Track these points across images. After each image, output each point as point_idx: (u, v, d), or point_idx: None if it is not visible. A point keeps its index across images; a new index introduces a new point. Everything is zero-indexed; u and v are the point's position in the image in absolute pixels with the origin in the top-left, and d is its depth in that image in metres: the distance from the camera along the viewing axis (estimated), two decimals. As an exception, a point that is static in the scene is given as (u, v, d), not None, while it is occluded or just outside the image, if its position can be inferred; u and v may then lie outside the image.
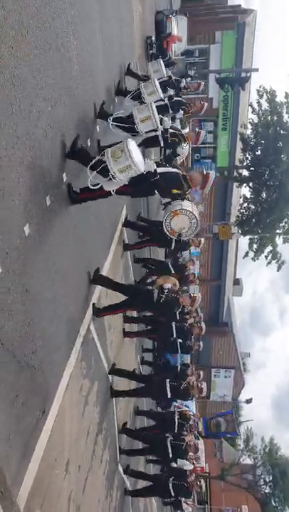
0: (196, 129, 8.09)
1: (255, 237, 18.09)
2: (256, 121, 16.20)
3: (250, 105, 16.73)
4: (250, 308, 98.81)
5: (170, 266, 8.08)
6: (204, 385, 8.50)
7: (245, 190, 18.61)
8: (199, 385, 7.79)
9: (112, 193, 4.38)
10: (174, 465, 7.69)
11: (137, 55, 9.76)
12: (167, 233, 5.90)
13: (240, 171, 18.05)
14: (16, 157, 3.12)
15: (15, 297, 3.05)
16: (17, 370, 3.10)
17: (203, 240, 8.09)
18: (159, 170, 4.87)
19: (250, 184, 17.51)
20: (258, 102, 16.13)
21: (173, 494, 7.29)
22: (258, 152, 16.65)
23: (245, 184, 17.97)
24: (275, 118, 15.74)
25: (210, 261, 24.04)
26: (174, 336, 7.65)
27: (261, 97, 16.00)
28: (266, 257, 18.37)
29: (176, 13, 15.29)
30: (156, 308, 5.98)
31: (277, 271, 18.66)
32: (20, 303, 3.14)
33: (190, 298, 6.89)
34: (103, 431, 6.04)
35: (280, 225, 17.34)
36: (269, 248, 18.13)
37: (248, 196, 18.02)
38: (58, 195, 4.07)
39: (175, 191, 5.47)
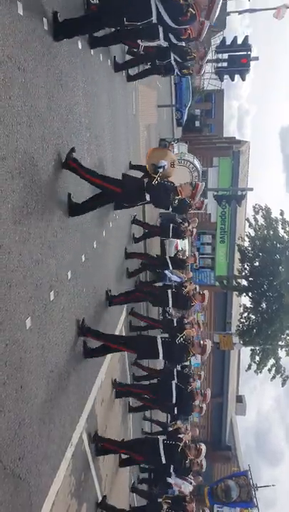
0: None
1: (257, 348, 17.64)
2: (253, 235, 17.08)
3: (247, 220, 17.81)
4: (255, 431, 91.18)
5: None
6: None
7: (245, 300, 18.76)
8: None
9: None
10: None
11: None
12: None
13: (239, 280, 18.43)
14: (25, 252, 3.24)
15: (9, 393, 2.88)
16: (0, 477, 2.78)
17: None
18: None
19: (250, 294, 17.71)
20: (255, 218, 17.21)
21: None
22: (256, 263, 17.20)
23: (244, 294, 18.18)
24: (272, 232, 16.62)
25: (211, 374, 23.04)
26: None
27: (257, 213, 17.13)
28: (269, 370, 17.67)
29: (178, 140, 17.27)
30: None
31: (282, 386, 17.76)
32: (14, 399, 2.95)
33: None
34: None
35: (282, 336, 17.05)
36: (272, 361, 17.55)
37: (248, 306, 18.08)
38: (62, 291, 4.12)
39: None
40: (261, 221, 17.07)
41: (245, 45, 19.78)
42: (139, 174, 9.07)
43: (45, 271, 3.67)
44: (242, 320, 18.01)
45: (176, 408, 6.82)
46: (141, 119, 10.38)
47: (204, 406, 7.51)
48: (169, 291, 7.59)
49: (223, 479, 17.94)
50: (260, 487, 18.51)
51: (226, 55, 20.72)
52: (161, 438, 5.84)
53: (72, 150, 4.17)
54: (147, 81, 11.22)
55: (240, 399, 26.32)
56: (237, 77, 20.81)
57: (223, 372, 23.26)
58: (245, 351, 19.29)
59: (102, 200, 4.84)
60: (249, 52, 19.64)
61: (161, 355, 5.47)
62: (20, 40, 3.10)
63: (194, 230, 8.76)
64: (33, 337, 3.39)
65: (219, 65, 21.27)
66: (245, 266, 17.54)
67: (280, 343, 17.20)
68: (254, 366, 17.70)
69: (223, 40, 20.92)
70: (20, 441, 3.07)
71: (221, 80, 22.31)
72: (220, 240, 21.14)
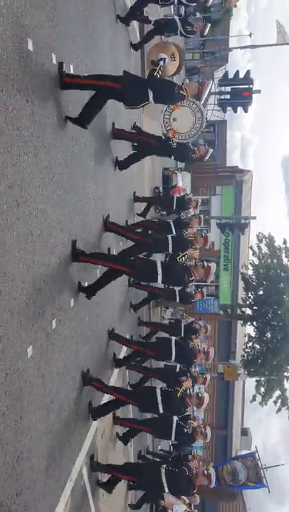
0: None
1: (262, 379, 17.25)
2: (257, 263, 17.04)
3: (251, 248, 17.83)
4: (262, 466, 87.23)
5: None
6: None
7: (250, 329, 18.50)
8: None
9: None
10: None
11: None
12: (166, 134, 5.20)
13: (244, 309, 18.24)
14: (28, 280, 3.23)
15: (8, 424, 2.80)
16: (-4, 516, 2.66)
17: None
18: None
19: (254, 323, 17.49)
20: (258, 246, 17.23)
21: None
22: (260, 292, 17.07)
23: (249, 323, 17.96)
24: (275, 261, 16.58)
25: (215, 406, 22.44)
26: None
27: (260, 241, 17.15)
28: (275, 402, 17.21)
29: (181, 169, 17.54)
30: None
31: (289, 419, 17.25)
32: (13, 431, 2.87)
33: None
34: None
35: (288, 367, 16.70)
36: (278, 392, 17.12)
37: (253, 335, 17.82)
38: (65, 319, 4.09)
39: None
40: (265, 249, 17.08)
41: (247, 79, 20.37)
42: (143, 206, 9.21)
43: (48, 298, 3.65)
44: (247, 350, 17.70)
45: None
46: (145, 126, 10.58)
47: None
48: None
49: (229, 460, 16.29)
50: (270, 467, 16.97)
51: (228, 88, 21.31)
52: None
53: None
54: (152, 113, 11.51)
55: (245, 432, 25.45)
56: (240, 109, 21.34)
57: (227, 403, 22.64)
58: (250, 382, 18.88)
59: (99, 101, 4.42)
60: (251, 86, 20.21)
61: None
62: (30, 74, 3.20)
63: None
64: (34, 366, 3.33)
65: (222, 97, 21.85)
66: (250, 295, 17.41)
67: (285, 373, 16.83)
68: (259, 398, 17.27)
69: (226, 74, 21.57)
70: (18, 476, 2.96)
71: (224, 111, 22.85)
72: (223, 267, 21.08)
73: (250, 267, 17.56)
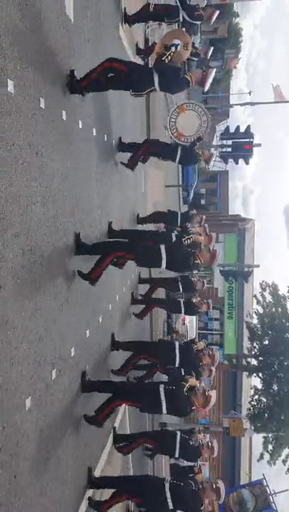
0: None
1: (270, 435, 16.44)
2: (261, 312, 16.87)
3: (255, 296, 17.75)
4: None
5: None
6: None
7: (256, 381, 17.93)
8: None
9: None
10: None
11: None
12: (172, 136, 4.95)
13: (249, 359, 17.80)
14: (30, 328, 3.19)
15: (1, 483, 2.64)
16: None
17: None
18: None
19: (260, 374, 16.97)
20: (262, 295, 17.14)
21: None
22: (266, 342, 16.74)
23: (254, 374, 17.43)
24: (280, 310, 16.43)
25: (221, 463, 21.27)
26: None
27: (264, 290, 17.10)
28: (284, 461, 16.27)
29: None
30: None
31: (299, 478, 16.22)
32: (6, 492, 2.70)
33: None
34: None
35: (296, 424, 15.97)
36: (287, 450, 16.25)
37: (259, 387, 17.22)
38: (65, 369, 3.98)
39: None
40: (269, 298, 16.97)
41: (248, 134, 21.21)
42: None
43: (49, 347, 3.58)
44: (253, 403, 17.03)
45: None
46: (149, 196, 10.85)
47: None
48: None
49: (236, 488, 15.05)
50: (279, 492, 15.71)
51: (230, 142, 22.15)
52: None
53: None
54: (156, 164, 11.90)
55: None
56: (241, 161, 22.06)
57: (233, 461, 21.48)
58: (258, 438, 17.94)
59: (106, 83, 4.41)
60: (252, 140, 21.01)
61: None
62: (40, 130, 3.36)
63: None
64: (32, 419, 3.20)
65: (224, 150, 22.68)
66: (255, 344, 17.06)
67: (294, 430, 16.07)
68: (267, 456, 16.37)
69: (227, 129, 22.52)
70: None
71: (226, 163, 23.60)
72: (228, 315, 20.85)
73: (254, 315, 17.38)
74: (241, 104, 24.72)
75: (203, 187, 37.18)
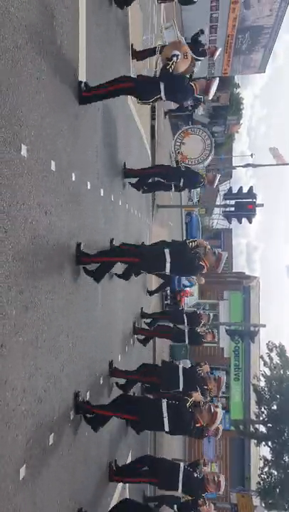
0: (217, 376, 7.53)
1: (283, 513, 15.13)
2: (269, 374, 16.28)
3: (261, 357, 17.22)
4: None
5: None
6: None
7: (265, 450, 16.84)
8: None
9: None
10: None
11: (153, 304, 10.92)
12: (178, 159, 4.72)
13: (257, 425, 16.86)
14: (29, 389, 3.08)
15: None
16: None
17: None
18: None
19: (269, 443, 15.97)
20: (269, 356, 16.65)
21: None
22: (274, 407, 15.96)
23: (263, 442, 16.40)
24: (288, 372, 15.86)
25: None
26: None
27: (271, 351, 16.64)
28: None
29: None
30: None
31: None
32: None
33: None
34: None
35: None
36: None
37: (269, 458, 16.13)
38: (63, 433, 3.78)
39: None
40: (276, 360, 16.47)
41: (251, 194, 21.81)
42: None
43: (48, 409, 3.43)
44: (262, 475, 15.87)
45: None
46: (154, 234, 10.98)
47: None
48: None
49: None
50: None
51: (233, 202, 22.76)
52: None
53: None
54: (160, 221, 12.16)
55: None
56: (244, 220, 22.51)
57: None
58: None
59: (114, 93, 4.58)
60: (254, 200, 21.58)
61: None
62: (50, 190, 3.48)
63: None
64: (26, 490, 2.98)
65: (227, 209, 23.25)
66: (263, 409, 16.26)
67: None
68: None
69: (230, 189, 23.23)
70: None
71: (229, 222, 24.05)
72: (234, 377, 20.06)
73: (261, 378, 16.76)
74: (243, 166, 25.73)
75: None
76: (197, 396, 4.85)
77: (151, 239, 10.45)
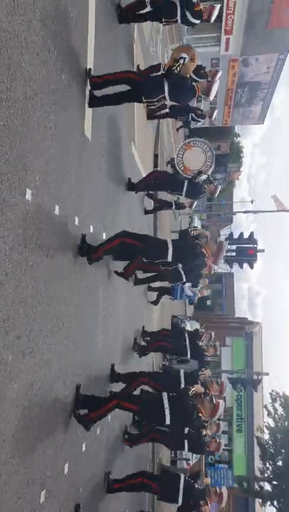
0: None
1: None
2: (273, 426, 15.59)
3: (265, 407, 16.58)
4: None
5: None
6: None
7: (271, 510, 15.76)
8: None
9: None
10: None
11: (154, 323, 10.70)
12: (180, 171, 4.66)
13: (262, 483, 15.89)
14: (22, 439, 2.92)
15: None
16: None
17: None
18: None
19: (275, 503, 14.97)
20: (273, 406, 16.04)
21: None
22: (279, 462, 15.13)
23: (268, 502, 15.38)
24: (292, 425, 15.21)
25: None
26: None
27: (275, 400, 16.06)
28: None
29: (190, 318, 17.66)
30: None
31: None
32: None
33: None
34: None
35: None
36: None
37: (275, 520, 15.05)
38: (56, 490, 3.54)
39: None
40: (280, 410, 15.86)
41: (252, 239, 22.06)
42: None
43: (40, 463, 3.23)
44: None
45: None
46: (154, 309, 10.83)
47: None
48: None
49: None
50: None
51: (234, 247, 22.94)
52: None
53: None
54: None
55: None
56: (245, 265, 22.55)
57: None
58: None
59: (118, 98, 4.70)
60: (255, 245, 21.75)
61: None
62: (52, 233, 3.50)
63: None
64: None
65: (228, 254, 23.38)
66: (267, 465, 15.42)
67: None
68: None
69: (231, 234, 23.49)
70: None
71: (231, 267, 24.12)
72: (237, 428, 19.22)
73: (265, 430, 16.04)
74: (244, 212, 26.19)
75: (208, 288, 37.53)
76: (198, 387, 4.83)
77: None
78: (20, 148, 2.86)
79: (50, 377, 3.45)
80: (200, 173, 6.54)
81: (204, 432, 5.42)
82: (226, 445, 19.79)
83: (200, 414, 4.54)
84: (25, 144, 2.93)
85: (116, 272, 5.76)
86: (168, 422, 4.42)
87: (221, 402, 4.73)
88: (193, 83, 5.35)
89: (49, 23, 3.35)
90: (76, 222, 4.14)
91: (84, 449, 4.39)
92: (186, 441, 5.32)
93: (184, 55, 4.96)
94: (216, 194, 8.18)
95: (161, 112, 7.69)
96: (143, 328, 8.65)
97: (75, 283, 4.16)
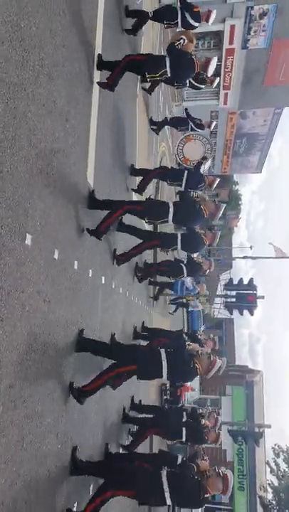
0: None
1: None
2: (276, 484, 14.72)
3: (268, 464, 15.73)
4: None
5: None
6: None
7: None
8: None
9: None
10: None
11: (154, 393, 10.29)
12: (179, 161, 4.58)
13: None
14: (8, 499, 2.72)
15: None
16: None
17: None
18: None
19: None
20: (275, 462, 15.24)
21: None
22: (284, 524, 14.18)
23: None
24: (297, 482, 14.38)
25: None
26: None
27: (278, 456, 15.28)
28: None
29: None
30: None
31: None
32: None
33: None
34: None
35: None
36: None
37: None
38: None
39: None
40: (283, 466, 15.08)
41: (251, 286, 21.96)
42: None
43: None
44: None
45: None
46: (154, 323, 10.67)
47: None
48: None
49: None
50: None
51: (233, 292, 22.78)
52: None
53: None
54: (161, 311, 12.01)
55: None
56: (245, 311, 22.30)
57: None
58: None
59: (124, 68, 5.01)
60: (255, 292, 21.63)
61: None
62: (51, 278, 3.46)
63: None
64: None
65: (228, 300, 23.16)
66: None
67: None
68: None
69: (231, 280, 23.42)
70: None
71: (231, 313, 23.85)
72: (238, 486, 18.09)
73: (268, 488, 15.13)
74: (243, 258, 26.31)
75: (208, 333, 36.93)
76: (195, 346, 4.83)
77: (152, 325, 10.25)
78: (22, 193, 2.90)
79: (41, 430, 3.26)
80: (204, 158, 6.77)
81: (203, 422, 5.22)
82: (226, 505, 18.55)
83: (196, 365, 4.43)
84: (27, 190, 2.96)
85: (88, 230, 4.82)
86: (164, 375, 4.30)
87: (218, 360, 4.59)
88: (192, 57, 5.64)
89: (55, 77, 3.51)
90: (75, 267, 4.12)
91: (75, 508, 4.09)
92: (184, 429, 5.25)
93: (183, 36, 5.43)
94: (216, 242, 8.24)
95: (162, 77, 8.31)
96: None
97: (73, 331, 4.06)
